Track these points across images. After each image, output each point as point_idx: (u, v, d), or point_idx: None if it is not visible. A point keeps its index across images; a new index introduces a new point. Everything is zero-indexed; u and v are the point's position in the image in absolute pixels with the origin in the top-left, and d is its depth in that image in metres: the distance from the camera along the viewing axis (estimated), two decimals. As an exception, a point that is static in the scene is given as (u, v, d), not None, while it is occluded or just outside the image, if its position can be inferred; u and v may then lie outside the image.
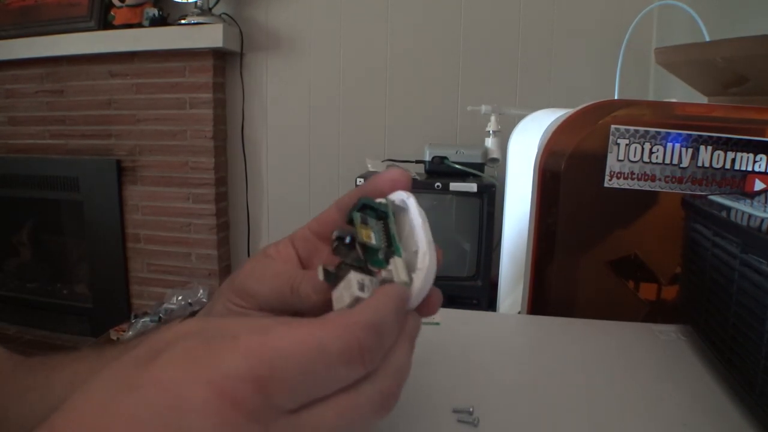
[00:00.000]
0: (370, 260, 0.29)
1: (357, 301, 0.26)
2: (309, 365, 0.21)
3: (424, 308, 0.30)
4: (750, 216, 0.38)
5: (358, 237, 0.29)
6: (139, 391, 0.20)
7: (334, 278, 0.29)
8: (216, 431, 0.20)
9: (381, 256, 0.29)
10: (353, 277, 0.27)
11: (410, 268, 0.28)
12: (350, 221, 0.30)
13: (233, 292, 0.33)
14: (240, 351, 0.21)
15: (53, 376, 0.41)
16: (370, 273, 0.29)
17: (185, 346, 0.22)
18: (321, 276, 0.29)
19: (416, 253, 0.29)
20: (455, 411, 0.33)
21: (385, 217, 0.30)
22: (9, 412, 0.40)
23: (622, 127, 0.50)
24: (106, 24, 2.05)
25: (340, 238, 0.29)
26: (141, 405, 0.20)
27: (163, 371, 0.21)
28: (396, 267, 0.28)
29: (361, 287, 0.27)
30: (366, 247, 0.29)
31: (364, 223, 0.30)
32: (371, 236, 0.29)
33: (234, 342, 0.21)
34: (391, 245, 0.29)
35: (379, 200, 0.31)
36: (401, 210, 0.31)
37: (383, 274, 0.28)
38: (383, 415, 0.24)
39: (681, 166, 0.50)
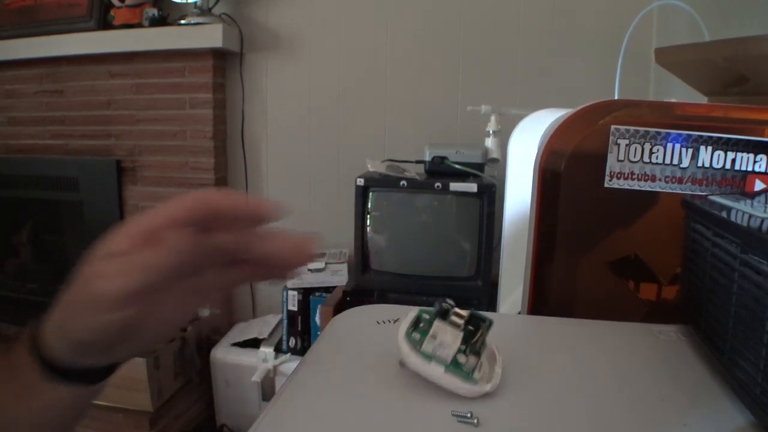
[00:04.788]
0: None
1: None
2: None
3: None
4: (750, 216, 0.38)
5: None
6: None
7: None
8: None
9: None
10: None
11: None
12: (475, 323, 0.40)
13: None
14: None
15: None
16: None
17: None
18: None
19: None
20: (454, 414, 0.33)
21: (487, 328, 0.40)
22: None
23: (622, 127, 0.50)
24: (105, 24, 2.05)
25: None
26: None
27: None
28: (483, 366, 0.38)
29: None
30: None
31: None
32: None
33: None
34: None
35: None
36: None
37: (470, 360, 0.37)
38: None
39: (681, 166, 0.50)
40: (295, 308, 1.82)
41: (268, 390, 1.85)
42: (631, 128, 0.50)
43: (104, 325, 0.33)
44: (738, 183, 0.50)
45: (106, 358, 0.38)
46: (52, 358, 0.37)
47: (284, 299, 1.84)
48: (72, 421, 0.41)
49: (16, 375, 0.39)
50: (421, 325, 0.39)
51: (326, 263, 1.81)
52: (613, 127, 0.50)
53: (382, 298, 1.58)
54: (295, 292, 1.82)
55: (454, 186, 1.51)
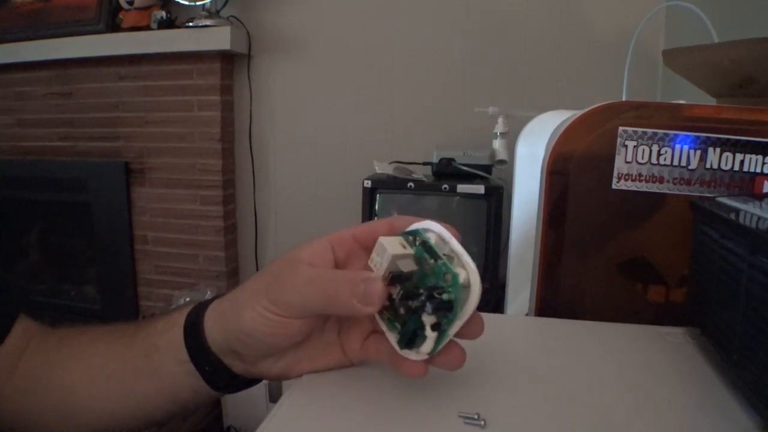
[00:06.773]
0: (431, 271, 0.34)
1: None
2: None
3: (470, 329, 0.35)
4: (759, 218, 0.37)
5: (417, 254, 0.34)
6: None
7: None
8: None
9: (444, 262, 0.33)
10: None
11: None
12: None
13: (269, 301, 0.35)
14: None
15: (96, 343, 0.43)
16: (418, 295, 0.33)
17: None
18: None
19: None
20: (461, 415, 0.33)
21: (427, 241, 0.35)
22: (50, 381, 0.44)
23: (630, 129, 0.50)
24: (114, 27, 2.07)
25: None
26: None
27: None
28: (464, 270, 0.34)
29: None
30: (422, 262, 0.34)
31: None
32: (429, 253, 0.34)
33: None
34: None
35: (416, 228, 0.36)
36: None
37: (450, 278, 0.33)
38: None
39: (689, 167, 0.50)
40: (302, 310, 1.83)
41: (275, 391, 1.86)
42: (639, 130, 0.50)
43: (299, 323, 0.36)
44: (746, 185, 0.49)
45: (253, 363, 0.39)
46: (206, 348, 0.40)
47: (291, 301, 1.84)
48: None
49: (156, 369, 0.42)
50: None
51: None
52: (620, 128, 0.50)
53: (389, 299, 1.58)
54: (302, 294, 1.82)
55: (462, 188, 1.51)
